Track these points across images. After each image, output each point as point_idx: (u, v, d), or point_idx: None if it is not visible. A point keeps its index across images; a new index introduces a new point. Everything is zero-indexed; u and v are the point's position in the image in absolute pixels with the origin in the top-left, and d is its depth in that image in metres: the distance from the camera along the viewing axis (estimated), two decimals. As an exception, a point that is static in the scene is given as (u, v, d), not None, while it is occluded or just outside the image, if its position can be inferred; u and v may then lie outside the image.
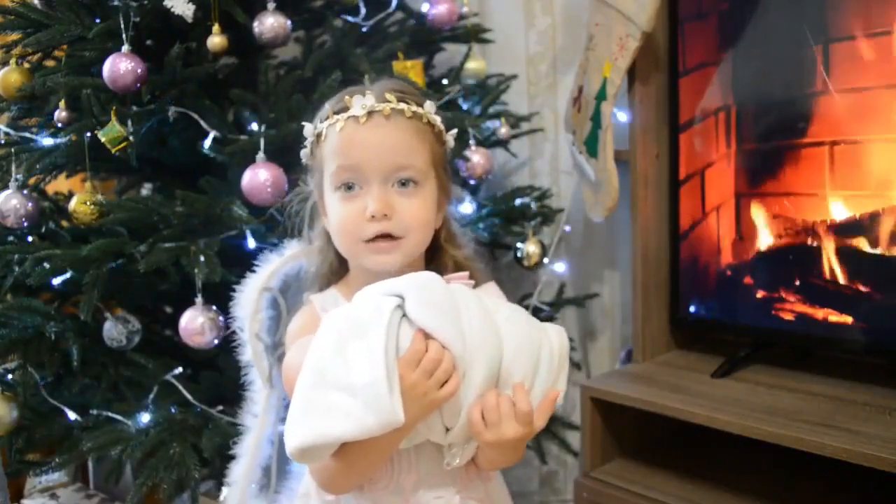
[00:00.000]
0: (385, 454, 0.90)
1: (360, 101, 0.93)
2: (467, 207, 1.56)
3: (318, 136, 0.97)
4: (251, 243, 1.33)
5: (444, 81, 1.63)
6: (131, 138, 1.33)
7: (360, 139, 0.92)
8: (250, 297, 1.07)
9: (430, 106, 0.96)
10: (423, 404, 0.84)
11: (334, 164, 0.94)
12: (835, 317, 1.34)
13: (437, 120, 0.97)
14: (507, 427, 0.85)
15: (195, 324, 1.31)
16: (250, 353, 1.09)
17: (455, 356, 0.84)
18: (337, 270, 1.04)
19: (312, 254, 1.06)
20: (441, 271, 0.96)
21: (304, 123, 1.00)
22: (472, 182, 1.58)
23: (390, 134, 0.92)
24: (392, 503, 0.94)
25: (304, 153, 1.02)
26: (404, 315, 0.84)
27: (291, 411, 0.83)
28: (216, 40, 1.37)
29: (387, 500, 0.94)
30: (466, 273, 0.95)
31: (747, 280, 1.46)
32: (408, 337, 0.84)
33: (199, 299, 1.31)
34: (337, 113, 0.94)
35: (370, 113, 0.92)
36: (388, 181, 0.93)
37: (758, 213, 1.43)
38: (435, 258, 1.02)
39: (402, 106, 0.93)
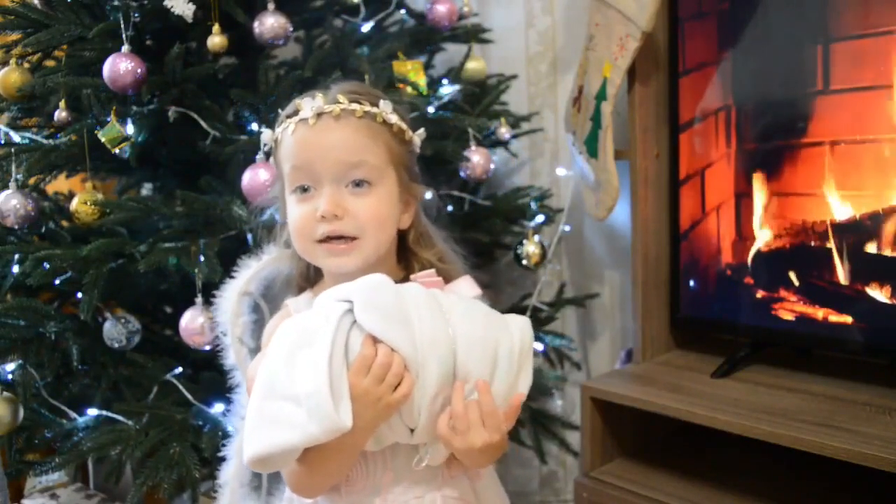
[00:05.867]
0: (348, 458, 0.90)
1: (310, 104, 0.93)
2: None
3: (276, 141, 0.98)
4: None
5: (444, 81, 1.63)
6: (131, 138, 1.33)
7: (310, 141, 0.93)
8: (230, 301, 1.08)
9: (385, 105, 0.96)
10: (379, 409, 0.84)
11: (288, 167, 0.95)
12: (835, 317, 1.34)
13: (395, 118, 0.97)
14: (475, 435, 0.85)
15: (195, 324, 1.31)
16: (234, 356, 1.09)
17: (406, 358, 0.84)
18: (311, 275, 1.04)
19: (288, 258, 1.06)
20: (412, 272, 0.97)
21: (262, 130, 1.01)
22: (471, 182, 1.59)
23: (339, 134, 0.93)
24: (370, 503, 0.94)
25: (270, 160, 1.03)
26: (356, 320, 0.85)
27: (246, 422, 0.84)
28: (216, 40, 1.37)
29: (364, 501, 0.94)
30: (433, 270, 0.96)
31: (747, 280, 1.46)
32: (359, 342, 0.84)
33: (199, 299, 1.31)
34: (289, 117, 0.95)
35: (319, 114, 0.93)
36: (340, 182, 0.93)
37: (757, 213, 1.43)
38: (406, 260, 1.02)
39: (354, 106, 0.93)
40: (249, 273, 1.08)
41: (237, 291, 1.08)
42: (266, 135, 1.00)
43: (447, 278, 0.97)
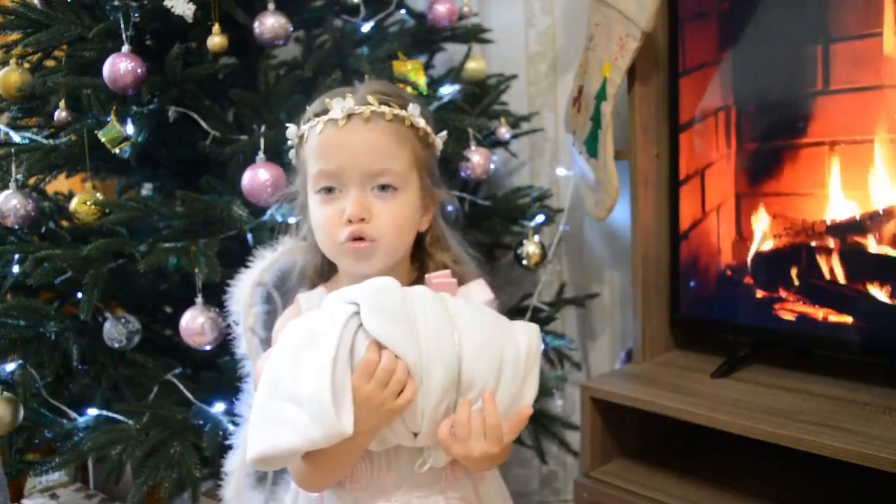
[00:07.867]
0: (350, 460, 0.91)
1: (340, 104, 0.93)
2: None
3: (301, 138, 0.98)
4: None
5: (445, 81, 1.63)
6: (131, 138, 1.33)
7: (339, 142, 0.92)
8: (244, 291, 1.09)
9: (414, 108, 0.96)
10: (381, 414, 0.84)
11: (315, 168, 0.94)
12: (835, 317, 1.34)
13: (422, 122, 0.97)
14: (475, 444, 0.85)
15: (195, 324, 1.31)
16: (245, 346, 1.10)
17: (410, 363, 0.83)
18: (325, 269, 1.04)
19: (304, 250, 1.07)
20: (426, 273, 0.97)
21: (287, 125, 1.01)
22: (471, 182, 1.59)
23: (369, 137, 0.92)
24: (374, 502, 0.94)
25: (291, 154, 1.03)
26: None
27: (250, 420, 0.85)
28: (216, 40, 1.37)
29: (368, 499, 0.94)
30: (448, 271, 0.95)
31: (747, 280, 1.46)
32: (365, 345, 0.84)
33: (199, 299, 1.31)
34: (317, 115, 0.95)
35: (349, 116, 0.92)
36: (366, 185, 0.93)
37: (758, 213, 1.43)
38: (421, 261, 1.02)
39: (383, 109, 0.93)
40: (264, 264, 1.09)
41: (251, 281, 1.09)
42: (291, 130, 1.00)
43: (460, 280, 0.97)
